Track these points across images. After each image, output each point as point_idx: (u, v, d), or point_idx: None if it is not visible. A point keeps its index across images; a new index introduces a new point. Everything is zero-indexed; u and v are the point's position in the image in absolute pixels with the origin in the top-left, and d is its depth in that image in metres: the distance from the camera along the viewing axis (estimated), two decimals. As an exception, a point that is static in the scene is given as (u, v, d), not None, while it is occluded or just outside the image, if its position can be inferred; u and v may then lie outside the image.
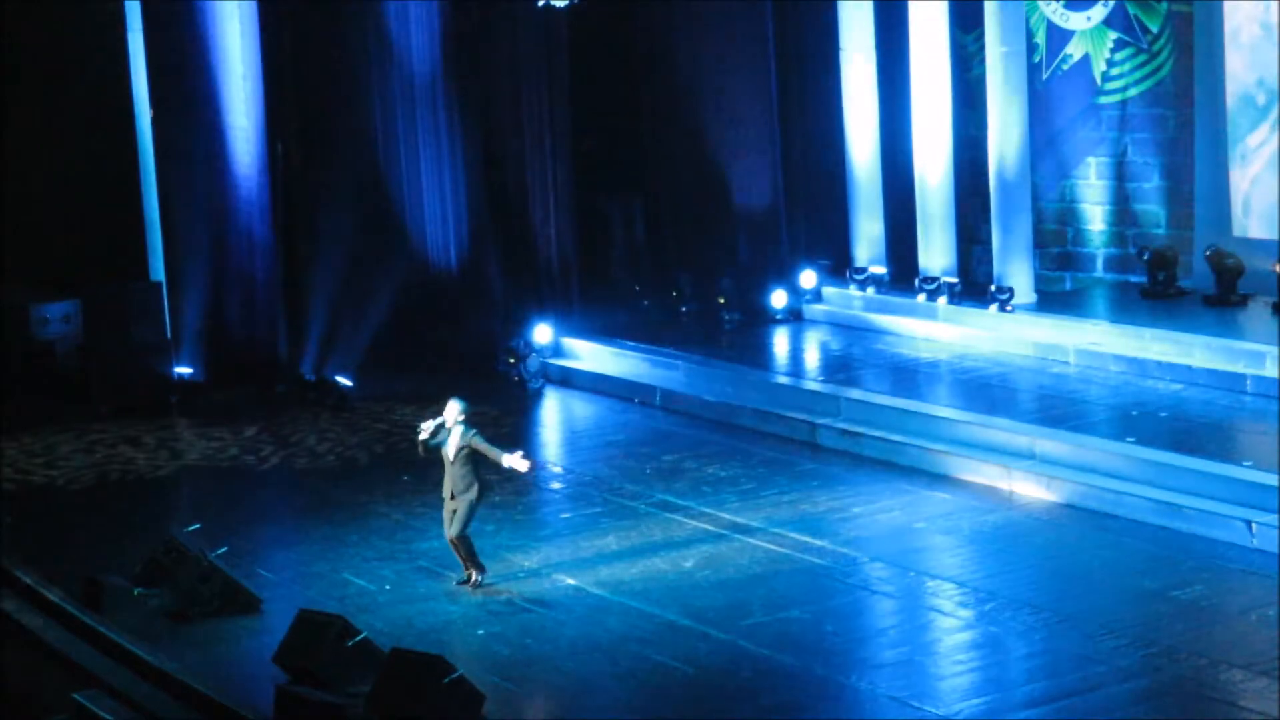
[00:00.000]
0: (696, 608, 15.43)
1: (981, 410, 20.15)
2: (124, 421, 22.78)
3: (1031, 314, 23.66)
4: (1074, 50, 25.04)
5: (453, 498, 15.87)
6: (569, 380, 24.02)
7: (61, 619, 15.58)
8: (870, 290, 25.67)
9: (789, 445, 20.60)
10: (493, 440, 16.33)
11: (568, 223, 25.36)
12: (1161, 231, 24.75)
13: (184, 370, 23.97)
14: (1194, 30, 24.12)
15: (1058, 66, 25.12)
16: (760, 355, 23.99)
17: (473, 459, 15.79)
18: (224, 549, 16.49)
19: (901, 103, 25.38)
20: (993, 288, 24.01)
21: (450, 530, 15.93)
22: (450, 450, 15.81)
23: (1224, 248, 23.42)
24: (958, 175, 25.09)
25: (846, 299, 25.83)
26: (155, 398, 23.37)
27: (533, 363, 23.91)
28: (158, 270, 24.23)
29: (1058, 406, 20.41)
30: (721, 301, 25.86)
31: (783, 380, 22.40)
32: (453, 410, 15.82)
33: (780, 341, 24.90)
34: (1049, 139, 25.11)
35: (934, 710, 13.19)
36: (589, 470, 19.99)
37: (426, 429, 15.82)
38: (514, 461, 15.75)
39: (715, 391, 22.32)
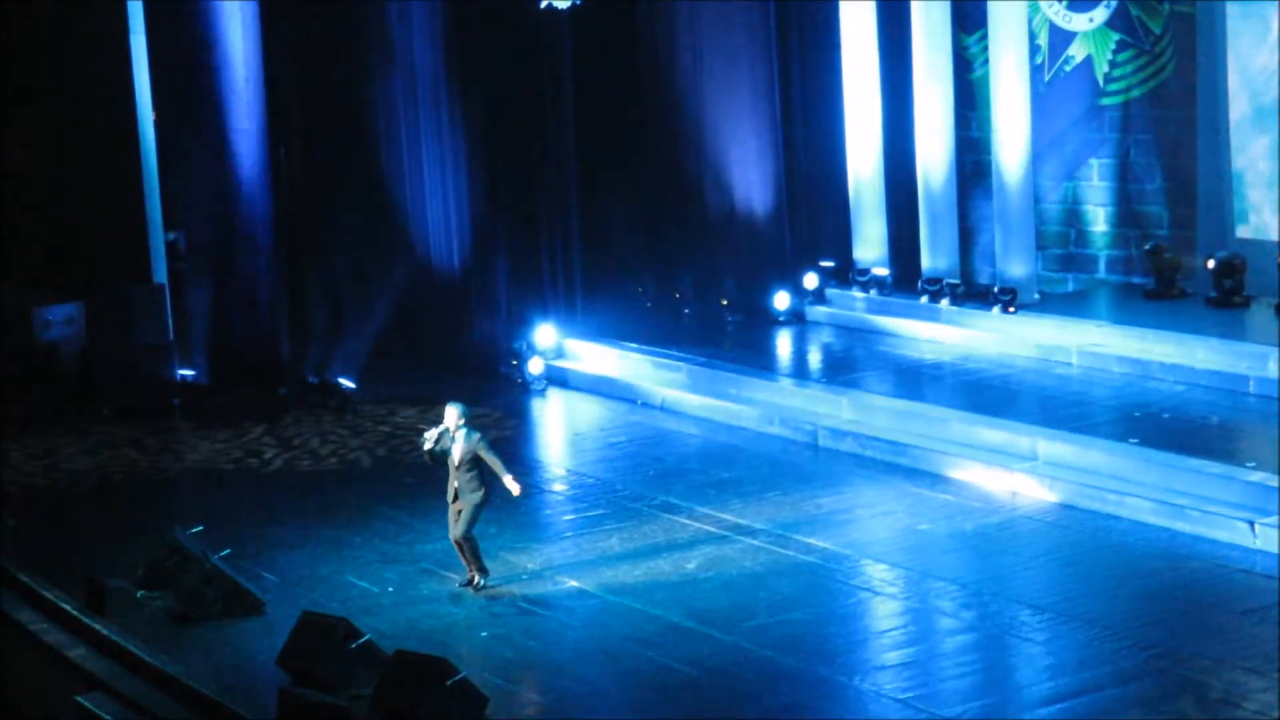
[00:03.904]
0: (699, 609, 15.43)
1: (984, 411, 20.14)
2: (127, 423, 22.78)
3: (1034, 315, 23.64)
4: (1076, 52, 25.03)
5: (456, 499, 15.89)
6: (571, 382, 24.02)
7: (64, 621, 15.60)
8: (873, 292, 25.66)
9: (792, 446, 20.60)
10: (494, 443, 16.41)
11: (570, 224, 25.36)
12: (1164, 233, 24.74)
13: (186, 372, 23.96)
14: (1196, 31, 24.10)
15: (1060, 68, 25.12)
16: (763, 357, 23.98)
17: (478, 463, 15.82)
18: (227, 551, 16.51)
19: (904, 104, 25.38)
20: (995, 289, 24.00)
21: (456, 531, 15.94)
22: (456, 455, 15.82)
23: (1225, 252, 23.40)
24: (960, 177, 25.09)
25: (849, 300, 25.82)
26: (158, 400, 23.36)
27: (535, 364, 23.91)
28: (160, 272, 24.23)
29: (1060, 408, 20.40)
30: (724, 303, 25.86)
31: (785, 382, 22.40)
32: (452, 415, 15.84)
33: (783, 343, 24.90)
34: (1051, 140, 25.10)
35: (937, 711, 13.19)
36: (592, 472, 19.99)
37: (430, 437, 15.84)
38: (510, 484, 15.86)
39: (718, 393, 22.32)
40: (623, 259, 27.47)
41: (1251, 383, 20.40)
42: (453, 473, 15.87)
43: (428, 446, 15.86)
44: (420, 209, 25.22)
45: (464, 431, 15.80)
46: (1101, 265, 25.43)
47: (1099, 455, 18.32)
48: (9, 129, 23.48)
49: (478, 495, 15.82)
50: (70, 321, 24.02)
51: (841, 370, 23.07)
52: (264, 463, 21.08)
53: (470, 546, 16.03)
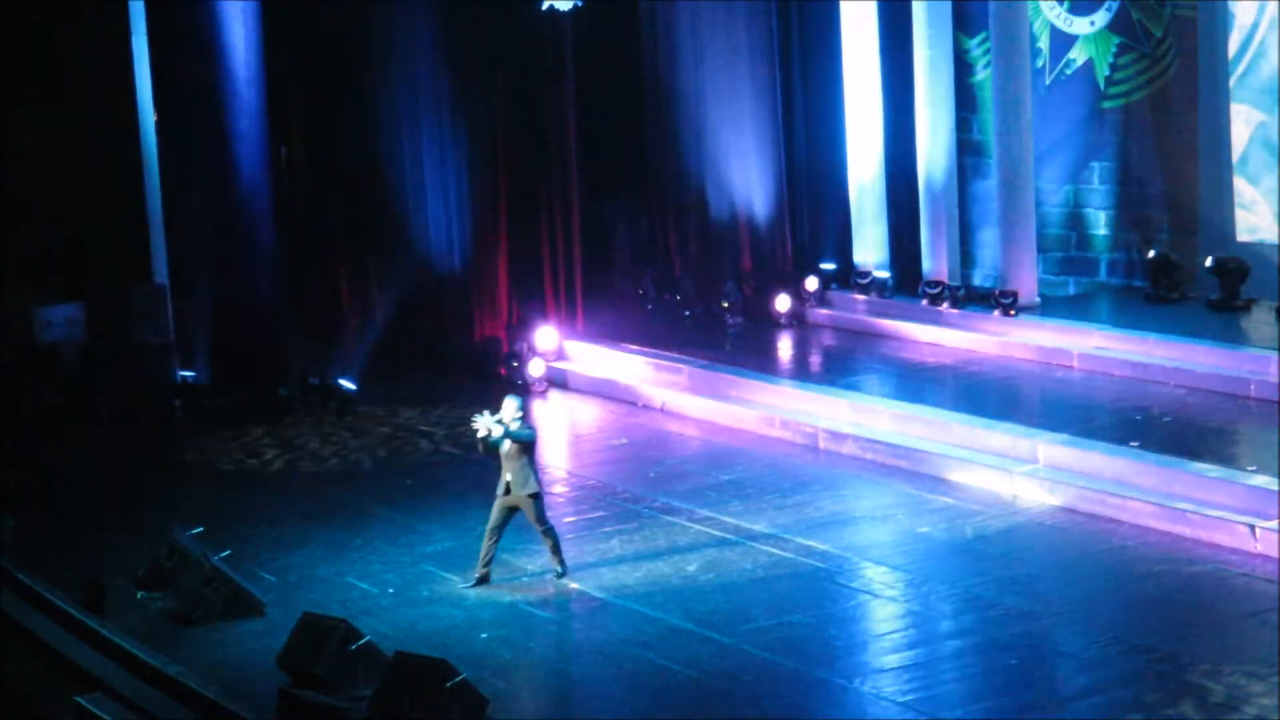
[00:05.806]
0: (699, 612, 15.43)
1: (985, 415, 20.12)
2: (127, 424, 22.77)
3: (1035, 318, 23.65)
4: (1077, 55, 25.04)
5: (507, 493, 16.03)
6: (572, 384, 24.01)
7: (63, 621, 15.58)
8: (873, 294, 25.67)
9: (792, 449, 20.60)
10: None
11: (571, 226, 25.35)
12: (1165, 236, 24.75)
13: (187, 373, 23.96)
14: (1197, 34, 24.11)
15: (1061, 71, 25.13)
16: (763, 359, 23.98)
17: (528, 453, 15.96)
18: (227, 552, 16.51)
19: (905, 106, 25.38)
20: (996, 292, 24.01)
21: (536, 526, 16.13)
22: (507, 447, 16.00)
23: (1226, 255, 23.40)
24: (961, 180, 25.09)
25: (850, 303, 25.83)
26: (158, 401, 23.35)
27: (535, 366, 23.90)
28: (161, 273, 24.22)
29: (1061, 411, 20.41)
30: (725, 306, 25.86)
31: (786, 385, 22.39)
32: (509, 408, 16.06)
33: (783, 345, 24.90)
34: (1052, 143, 25.11)
35: (937, 714, 13.19)
36: (592, 474, 19.99)
37: (482, 426, 15.94)
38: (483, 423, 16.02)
39: (719, 395, 22.32)
40: (623, 260, 27.48)
41: (1252, 386, 20.39)
42: (505, 464, 16.03)
43: (480, 435, 15.99)
44: (421, 209, 25.21)
45: (519, 424, 15.95)
46: (1102, 268, 25.44)
47: (1100, 459, 18.31)
48: (10, 129, 23.46)
49: (530, 487, 16.02)
50: (70, 321, 23.98)
51: (842, 373, 23.06)
52: (264, 464, 21.07)
53: (552, 539, 16.29)
